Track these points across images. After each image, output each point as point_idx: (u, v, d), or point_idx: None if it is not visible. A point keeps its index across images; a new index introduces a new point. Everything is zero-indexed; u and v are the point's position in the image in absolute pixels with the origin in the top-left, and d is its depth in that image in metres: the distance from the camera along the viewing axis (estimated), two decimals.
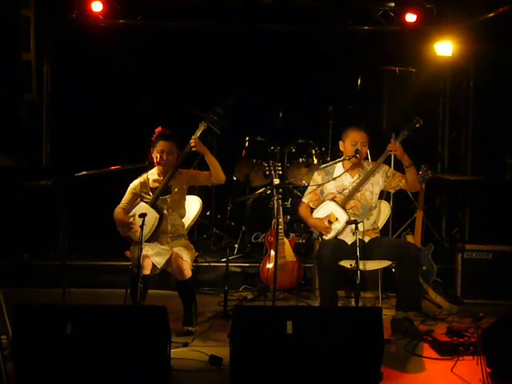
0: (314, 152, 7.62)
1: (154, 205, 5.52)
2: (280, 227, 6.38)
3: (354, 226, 5.38)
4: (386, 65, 7.55)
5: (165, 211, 5.55)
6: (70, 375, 4.15)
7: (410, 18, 7.96)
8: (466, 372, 4.65)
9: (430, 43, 7.78)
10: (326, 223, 5.70)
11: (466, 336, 5.08)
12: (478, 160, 8.27)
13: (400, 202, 7.49)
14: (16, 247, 7.10)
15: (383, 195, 6.28)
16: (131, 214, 5.54)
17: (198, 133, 5.73)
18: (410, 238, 6.67)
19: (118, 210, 5.60)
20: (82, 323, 4.15)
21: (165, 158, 5.55)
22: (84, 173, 5.37)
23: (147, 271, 5.25)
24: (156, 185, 5.62)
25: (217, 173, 5.68)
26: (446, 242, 8.05)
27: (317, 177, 5.94)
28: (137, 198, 5.63)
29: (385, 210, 6.05)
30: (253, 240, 7.34)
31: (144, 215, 5.13)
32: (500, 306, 5.89)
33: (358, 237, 5.31)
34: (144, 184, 5.65)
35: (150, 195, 5.60)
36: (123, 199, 5.65)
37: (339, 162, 5.87)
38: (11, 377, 4.15)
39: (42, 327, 4.16)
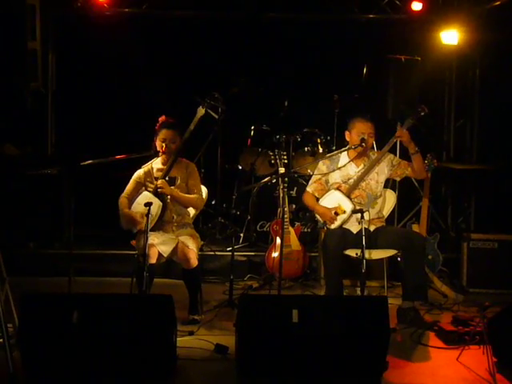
0: (319, 141, 7.63)
1: (156, 193, 5.51)
2: (285, 216, 6.37)
3: (359, 215, 5.37)
4: (392, 53, 7.50)
5: (168, 200, 5.55)
6: (76, 364, 4.17)
7: (416, 6, 7.92)
8: (472, 361, 4.65)
9: (435, 32, 7.71)
10: (333, 214, 5.70)
11: (471, 325, 5.06)
12: (483, 149, 8.24)
13: (405, 191, 7.46)
14: (22, 236, 7.11)
15: (389, 184, 6.26)
16: (136, 204, 5.53)
17: (196, 119, 5.72)
18: (415, 227, 6.67)
19: (122, 200, 5.59)
20: (87, 312, 4.17)
21: (167, 145, 5.54)
22: (89, 162, 5.36)
23: (153, 260, 5.25)
24: (160, 174, 5.61)
25: (191, 206, 5.76)
26: (451, 232, 8.04)
27: (322, 166, 5.91)
28: (141, 186, 5.62)
29: (390, 198, 6.03)
30: (258, 229, 7.33)
31: (150, 204, 5.13)
32: (506, 296, 5.90)
33: (364, 226, 5.31)
34: (148, 173, 5.65)
35: (153, 184, 5.58)
36: (127, 188, 5.65)
37: (344, 151, 5.85)
38: (17, 365, 4.16)
39: (48, 316, 4.18)
